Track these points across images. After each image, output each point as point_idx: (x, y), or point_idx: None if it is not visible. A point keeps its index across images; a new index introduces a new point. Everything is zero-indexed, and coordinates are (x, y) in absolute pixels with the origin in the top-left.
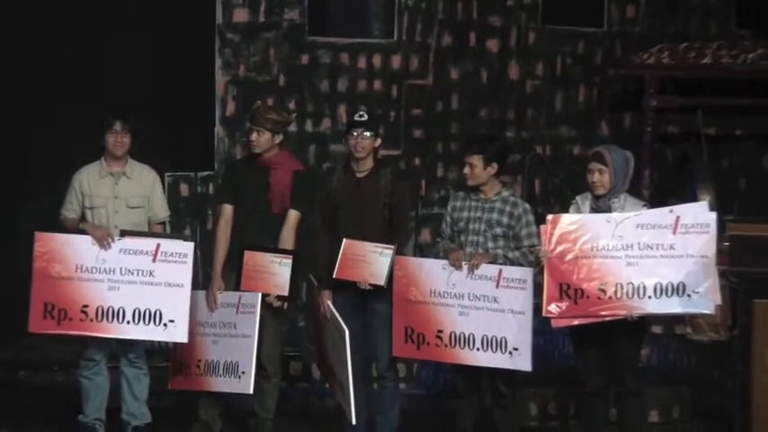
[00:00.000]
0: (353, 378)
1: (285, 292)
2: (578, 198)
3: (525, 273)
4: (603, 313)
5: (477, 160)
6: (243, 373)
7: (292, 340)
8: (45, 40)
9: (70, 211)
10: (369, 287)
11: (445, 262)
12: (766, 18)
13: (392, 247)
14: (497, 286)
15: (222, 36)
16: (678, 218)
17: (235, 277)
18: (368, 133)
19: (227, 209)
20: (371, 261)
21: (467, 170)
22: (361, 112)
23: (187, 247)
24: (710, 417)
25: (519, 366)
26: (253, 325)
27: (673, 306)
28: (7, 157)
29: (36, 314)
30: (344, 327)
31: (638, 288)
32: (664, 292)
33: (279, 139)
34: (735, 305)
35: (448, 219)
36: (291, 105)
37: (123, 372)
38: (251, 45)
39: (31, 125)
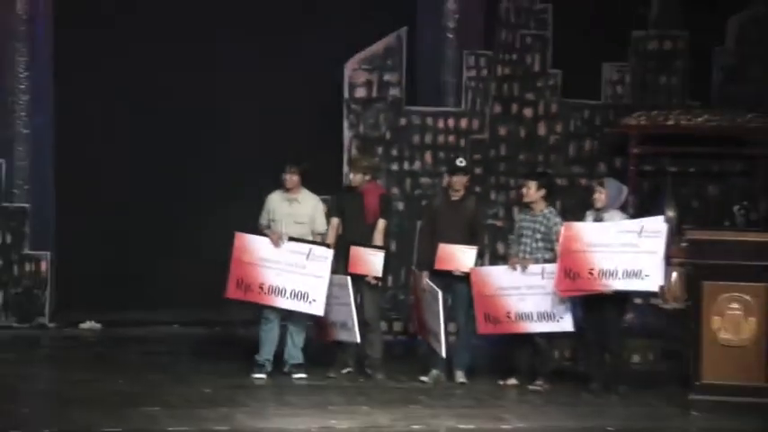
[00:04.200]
0: (444, 326)
1: (379, 274)
2: (588, 213)
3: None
4: (589, 288)
5: (532, 185)
6: (314, 300)
7: (397, 308)
8: (223, 99)
9: (263, 220)
10: (460, 273)
11: (505, 267)
12: (709, 94)
13: (474, 247)
14: (542, 278)
15: (348, 106)
16: (642, 227)
17: (342, 263)
18: (463, 175)
19: (335, 221)
20: (460, 257)
21: (524, 191)
22: (461, 159)
23: (328, 253)
24: (674, 359)
25: (564, 328)
26: (326, 269)
27: (631, 285)
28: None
29: (231, 286)
30: (438, 290)
31: (612, 272)
32: (627, 276)
33: (369, 176)
34: (689, 285)
35: (515, 226)
36: (394, 153)
37: (288, 327)
38: (367, 112)
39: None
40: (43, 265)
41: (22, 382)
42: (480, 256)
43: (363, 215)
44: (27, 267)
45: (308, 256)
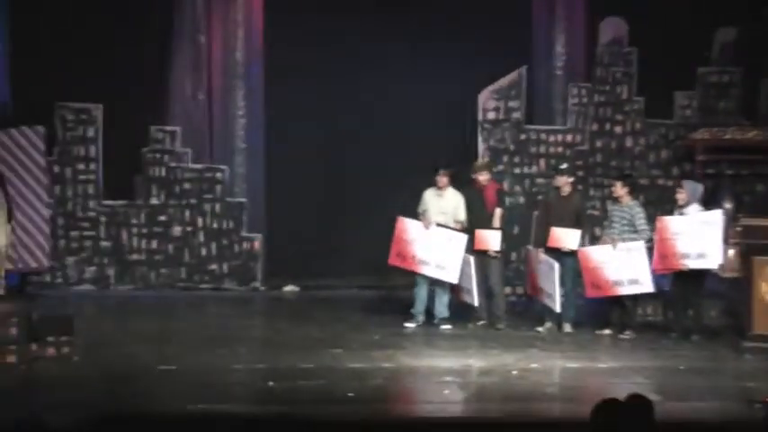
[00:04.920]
0: (558, 290)
1: (498, 248)
2: (675, 209)
3: (639, 245)
4: (674, 267)
5: (618, 184)
6: (450, 271)
7: (519, 276)
8: (393, 119)
9: (419, 209)
10: (567, 250)
11: (602, 246)
12: (758, 115)
13: (578, 230)
14: (628, 253)
15: (482, 125)
16: (706, 218)
17: (469, 243)
18: (565, 176)
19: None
20: (567, 238)
21: (613, 189)
22: (564, 164)
23: (463, 239)
24: (732, 316)
25: (647, 290)
26: (460, 250)
27: (700, 264)
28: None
29: (392, 256)
30: (555, 262)
31: (687, 254)
32: (698, 257)
33: (489, 176)
34: (743, 259)
35: (608, 215)
36: (516, 161)
37: (435, 290)
38: (496, 130)
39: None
40: (256, 244)
41: (241, 330)
42: (582, 237)
43: (485, 205)
44: (244, 245)
45: (448, 239)
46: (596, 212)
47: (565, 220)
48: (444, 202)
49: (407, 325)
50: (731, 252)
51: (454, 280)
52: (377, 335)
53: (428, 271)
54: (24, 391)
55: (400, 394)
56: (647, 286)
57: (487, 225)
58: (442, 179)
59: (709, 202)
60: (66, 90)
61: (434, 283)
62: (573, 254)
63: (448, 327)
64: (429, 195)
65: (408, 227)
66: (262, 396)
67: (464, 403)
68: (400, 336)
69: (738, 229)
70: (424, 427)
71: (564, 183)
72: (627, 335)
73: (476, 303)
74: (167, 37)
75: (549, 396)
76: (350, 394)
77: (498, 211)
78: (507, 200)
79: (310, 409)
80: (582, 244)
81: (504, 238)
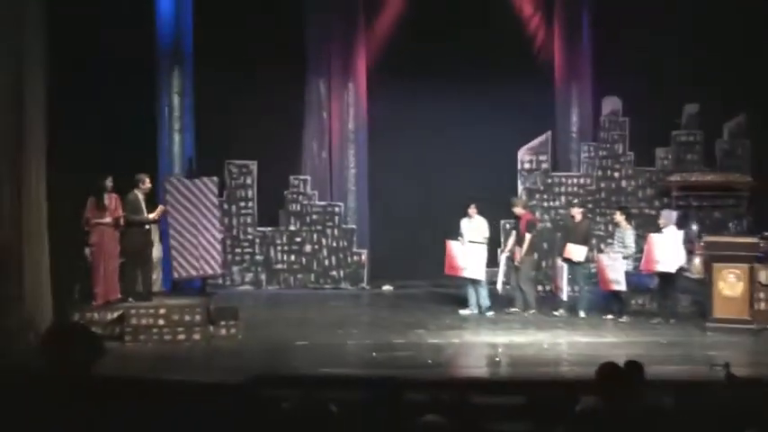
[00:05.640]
0: (566, 285)
1: (581, 258)
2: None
3: (619, 257)
4: (652, 269)
5: (618, 213)
6: (478, 272)
7: (547, 278)
8: (457, 165)
9: (460, 232)
10: (576, 260)
11: (605, 254)
12: (716, 164)
13: (585, 247)
14: (621, 262)
15: (520, 172)
16: (676, 237)
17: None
18: (578, 208)
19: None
20: (576, 251)
21: (615, 216)
22: (575, 199)
23: (483, 249)
24: (698, 305)
25: (622, 288)
26: (483, 256)
27: (665, 267)
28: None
29: (446, 267)
30: (564, 266)
31: (661, 260)
32: (665, 262)
33: (521, 209)
34: (706, 265)
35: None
36: (545, 197)
37: (476, 287)
38: (530, 175)
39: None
40: (363, 257)
41: (353, 317)
42: (589, 251)
43: (519, 231)
44: (355, 258)
45: (475, 250)
46: (602, 233)
47: (577, 239)
48: (473, 225)
49: (462, 312)
50: (697, 260)
51: (481, 277)
52: (447, 319)
53: (466, 274)
54: (206, 359)
55: (465, 361)
56: (623, 286)
57: (520, 245)
58: (472, 210)
59: (682, 225)
60: (231, 148)
61: (474, 282)
62: (581, 263)
63: (491, 313)
64: (463, 222)
65: (452, 246)
66: (368, 363)
67: (509, 367)
68: (462, 320)
69: (702, 244)
70: (481, 384)
71: (576, 212)
72: (624, 319)
73: (564, 298)
74: (301, 112)
75: (569, 362)
76: (429, 361)
77: (528, 237)
78: (539, 225)
79: (402, 372)
80: (589, 256)
81: (538, 252)
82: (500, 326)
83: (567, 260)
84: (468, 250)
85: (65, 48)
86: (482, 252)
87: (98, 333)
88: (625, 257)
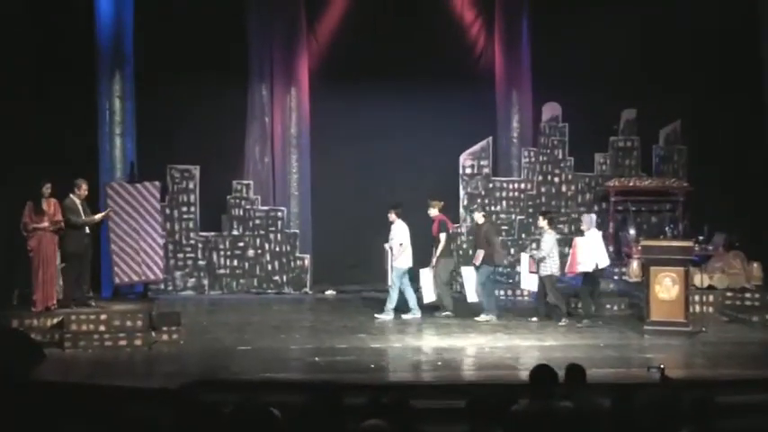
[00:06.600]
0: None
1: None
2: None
3: (526, 258)
4: (576, 271)
5: (541, 218)
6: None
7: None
8: (398, 168)
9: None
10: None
11: (524, 254)
12: (651, 169)
13: (482, 251)
14: (534, 262)
15: (462, 177)
16: (592, 238)
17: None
18: (479, 212)
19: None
20: (476, 256)
21: (538, 221)
22: (474, 205)
23: (388, 251)
24: (635, 308)
25: (532, 288)
26: (390, 260)
27: (587, 268)
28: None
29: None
30: (469, 269)
31: (584, 262)
32: (587, 263)
33: (436, 211)
34: (643, 268)
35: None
36: (486, 202)
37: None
38: (471, 180)
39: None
40: (306, 261)
41: (295, 321)
42: (488, 255)
43: (432, 233)
44: (298, 262)
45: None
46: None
47: (480, 243)
48: (393, 230)
49: (377, 316)
50: (635, 264)
51: (388, 281)
52: (389, 324)
53: (388, 278)
54: (148, 364)
55: (406, 365)
56: (533, 287)
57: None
58: (390, 215)
59: (620, 229)
60: (174, 153)
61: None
62: (480, 266)
63: (389, 317)
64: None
65: (382, 251)
66: (310, 367)
67: (448, 370)
68: (403, 324)
69: (639, 247)
70: (424, 389)
71: (478, 217)
72: (563, 322)
73: (469, 300)
74: (244, 117)
75: (508, 365)
76: (371, 366)
77: (441, 237)
78: (452, 228)
79: (345, 376)
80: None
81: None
82: (442, 330)
83: (474, 264)
84: (386, 255)
85: None
86: (388, 257)
87: (37, 339)
88: (538, 259)
